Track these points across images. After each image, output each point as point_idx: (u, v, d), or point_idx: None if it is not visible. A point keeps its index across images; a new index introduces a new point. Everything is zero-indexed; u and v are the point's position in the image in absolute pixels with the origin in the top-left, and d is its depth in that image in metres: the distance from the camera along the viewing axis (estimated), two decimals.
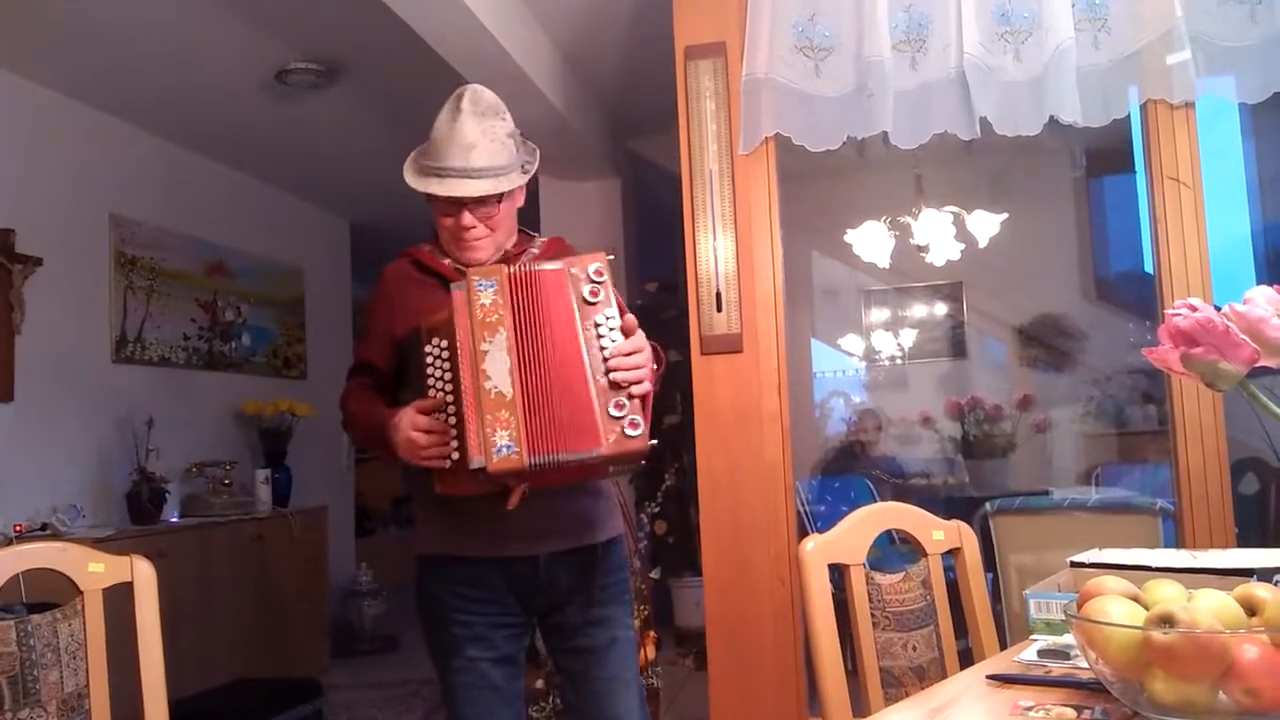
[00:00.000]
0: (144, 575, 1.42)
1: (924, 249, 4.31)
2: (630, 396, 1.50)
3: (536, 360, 1.49)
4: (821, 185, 4.87)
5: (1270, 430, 3.11)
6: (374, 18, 2.84)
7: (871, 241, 4.38)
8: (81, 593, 1.37)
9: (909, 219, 4.34)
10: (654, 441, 1.52)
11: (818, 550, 1.55)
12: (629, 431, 1.48)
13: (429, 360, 1.56)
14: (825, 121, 2.48)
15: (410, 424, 1.55)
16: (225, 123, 4.18)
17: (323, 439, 5.28)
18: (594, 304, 1.53)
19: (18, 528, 3.22)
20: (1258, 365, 1.04)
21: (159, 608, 1.42)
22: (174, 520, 3.96)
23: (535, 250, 1.76)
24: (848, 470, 4.93)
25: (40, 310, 3.58)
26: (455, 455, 1.51)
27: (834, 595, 1.52)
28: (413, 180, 1.66)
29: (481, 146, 1.62)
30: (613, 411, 1.48)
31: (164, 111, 4.01)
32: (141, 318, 4.15)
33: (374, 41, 3.36)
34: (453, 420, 1.52)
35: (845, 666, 1.50)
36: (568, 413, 1.47)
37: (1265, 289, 1.05)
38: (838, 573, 1.57)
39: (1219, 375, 1.04)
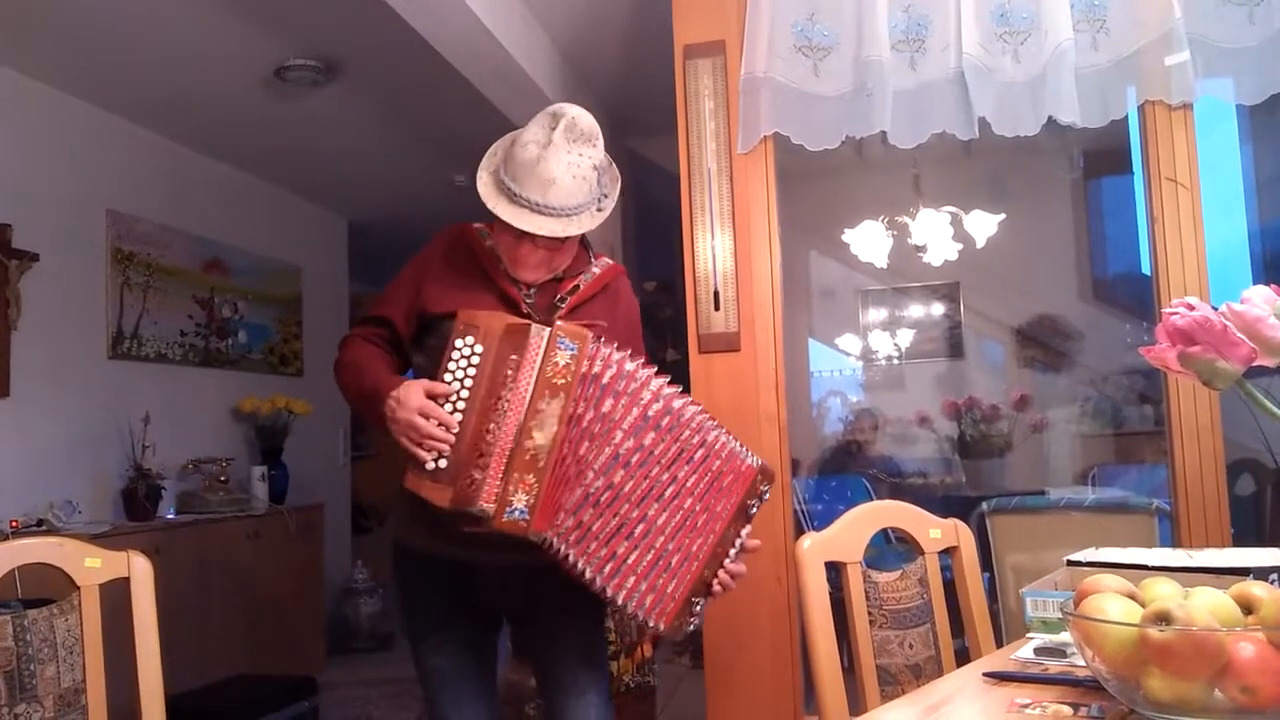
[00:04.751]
0: (141, 571, 1.42)
1: (922, 249, 4.32)
2: (708, 600, 1.54)
3: (581, 440, 1.49)
4: (820, 185, 4.87)
5: (1267, 431, 3.12)
6: (373, 15, 2.84)
7: (869, 241, 4.39)
8: (78, 588, 1.36)
9: (907, 219, 4.34)
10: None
11: (815, 548, 1.55)
12: (689, 627, 1.53)
13: (456, 353, 1.52)
14: (824, 121, 2.48)
15: (418, 406, 1.50)
16: (223, 119, 4.18)
17: (319, 436, 5.28)
18: (749, 518, 1.56)
19: (14, 523, 3.21)
20: (1255, 365, 1.04)
21: (155, 603, 1.42)
22: (170, 517, 3.96)
23: (595, 270, 1.71)
24: (845, 469, 4.93)
25: (37, 306, 3.58)
26: (443, 462, 1.50)
27: (831, 593, 1.52)
28: (484, 190, 1.59)
29: (561, 184, 1.54)
30: (694, 607, 1.52)
31: (162, 107, 4.01)
32: (138, 314, 4.14)
33: (373, 39, 3.35)
34: (457, 420, 1.50)
35: (842, 664, 1.51)
36: (642, 560, 1.49)
37: (1263, 289, 1.05)
38: (835, 571, 1.58)
39: (1216, 374, 1.04)
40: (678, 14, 2.63)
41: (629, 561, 1.48)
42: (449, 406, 1.51)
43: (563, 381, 1.48)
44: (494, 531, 1.48)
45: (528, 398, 1.47)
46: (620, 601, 1.49)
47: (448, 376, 1.52)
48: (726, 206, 2.54)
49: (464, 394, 1.51)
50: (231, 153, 4.64)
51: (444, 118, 4.15)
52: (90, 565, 1.38)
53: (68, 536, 1.56)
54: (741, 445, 1.58)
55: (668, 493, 1.50)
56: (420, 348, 1.68)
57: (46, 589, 1.48)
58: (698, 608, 1.53)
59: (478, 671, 1.73)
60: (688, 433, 1.53)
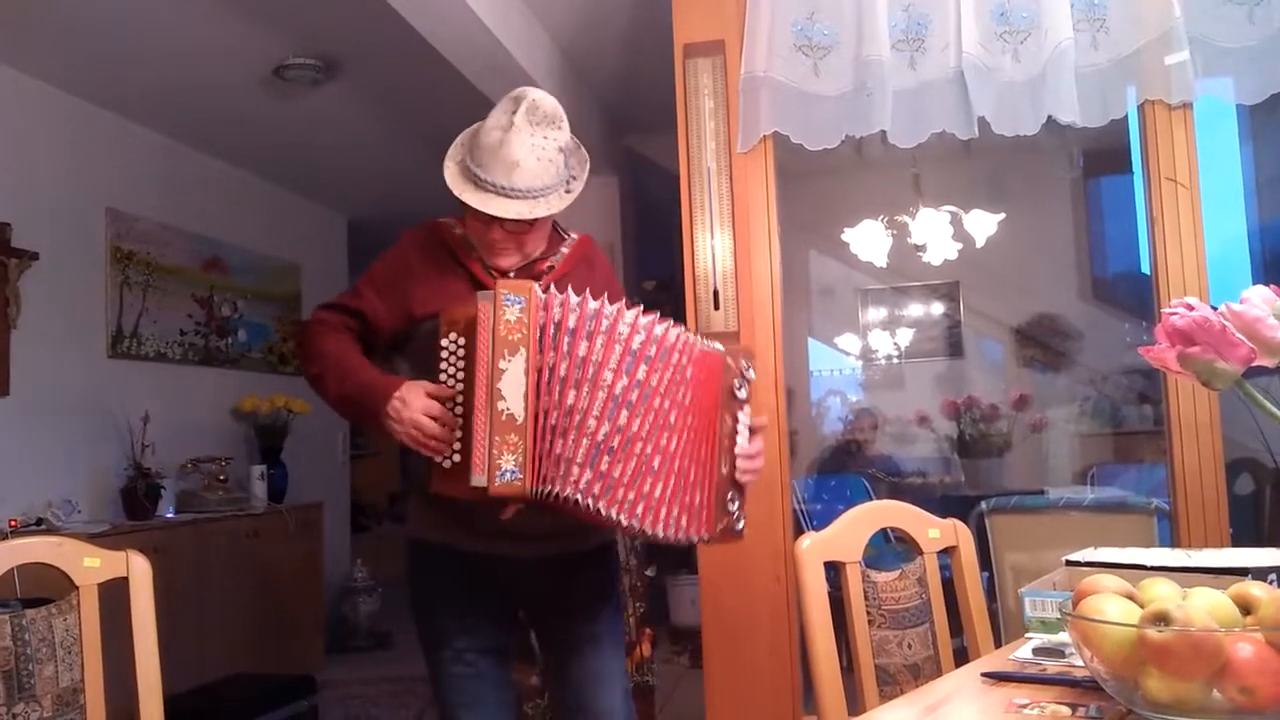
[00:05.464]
0: (139, 570, 1.41)
1: (921, 248, 4.32)
2: (742, 493, 1.56)
3: (565, 389, 1.44)
4: (819, 184, 4.87)
5: (1266, 430, 3.12)
6: (372, 13, 2.83)
7: (869, 240, 4.39)
8: (77, 588, 1.36)
9: (906, 218, 4.34)
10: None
11: (814, 548, 1.55)
12: (737, 526, 1.56)
13: (444, 353, 1.52)
14: (824, 120, 2.48)
15: (422, 407, 1.50)
16: (223, 118, 4.18)
17: (319, 435, 5.28)
18: (741, 401, 1.57)
19: (12, 522, 3.21)
20: (1254, 365, 1.04)
21: (154, 603, 1.42)
22: (169, 516, 3.95)
23: (565, 250, 1.71)
24: (844, 469, 4.93)
25: (36, 305, 3.57)
26: (456, 458, 1.49)
27: (830, 593, 1.52)
28: (450, 178, 1.60)
29: (526, 166, 1.55)
30: (729, 505, 1.54)
31: (161, 106, 4.01)
32: (138, 313, 4.14)
33: (372, 37, 3.35)
34: (459, 418, 1.49)
35: (840, 664, 1.51)
36: (667, 488, 1.48)
37: (1262, 289, 1.05)
38: (834, 571, 1.57)
39: (1215, 374, 1.04)
40: (677, 13, 2.63)
41: (657, 495, 1.47)
42: (450, 404, 1.51)
43: (518, 336, 1.46)
44: (527, 505, 1.46)
45: (489, 361, 1.45)
46: (661, 534, 1.47)
47: (443, 377, 1.52)
48: (726, 206, 2.54)
49: (459, 387, 1.50)
50: (231, 151, 4.64)
51: (443, 116, 4.11)
52: (89, 565, 1.38)
53: (66, 536, 1.56)
54: (711, 343, 1.58)
55: (673, 418, 1.49)
56: (404, 353, 1.67)
57: (45, 588, 1.48)
58: (734, 505, 1.55)
59: (494, 675, 1.71)
60: (677, 356, 1.51)
